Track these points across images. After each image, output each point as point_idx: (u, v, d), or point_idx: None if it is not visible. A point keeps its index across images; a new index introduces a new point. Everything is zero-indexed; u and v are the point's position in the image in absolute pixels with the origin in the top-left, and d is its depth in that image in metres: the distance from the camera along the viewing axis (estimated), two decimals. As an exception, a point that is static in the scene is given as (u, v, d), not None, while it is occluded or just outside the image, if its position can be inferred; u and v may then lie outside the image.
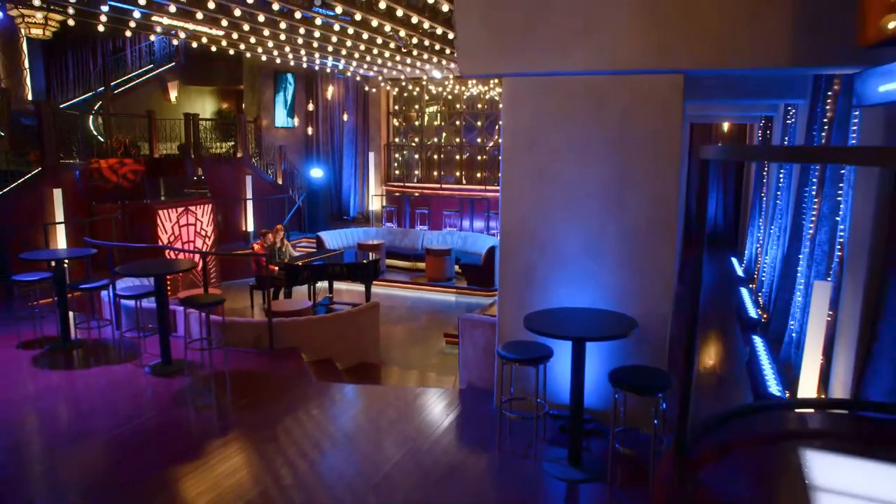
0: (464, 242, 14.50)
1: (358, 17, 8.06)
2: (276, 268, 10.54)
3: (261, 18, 8.43)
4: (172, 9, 7.69)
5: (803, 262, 6.13)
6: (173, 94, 17.36)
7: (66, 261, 6.80)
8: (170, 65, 17.48)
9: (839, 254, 4.98)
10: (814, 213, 5.88)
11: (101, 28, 9.06)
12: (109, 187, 11.85)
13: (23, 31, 13.96)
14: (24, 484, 4.26)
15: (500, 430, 4.80)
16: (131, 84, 16.50)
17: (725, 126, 14.87)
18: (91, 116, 13.90)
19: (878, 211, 4.04)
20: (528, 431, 4.70)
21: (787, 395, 5.57)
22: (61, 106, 14.11)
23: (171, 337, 6.43)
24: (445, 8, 7.71)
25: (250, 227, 14.62)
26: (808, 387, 4.84)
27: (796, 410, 2.78)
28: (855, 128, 4.73)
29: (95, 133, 13.60)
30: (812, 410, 2.82)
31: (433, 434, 4.93)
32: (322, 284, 11.54)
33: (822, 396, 4.80)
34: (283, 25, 8.83)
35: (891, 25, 2.49)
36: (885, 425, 2.76)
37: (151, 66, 17.24)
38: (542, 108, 4.88)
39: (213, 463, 4.44)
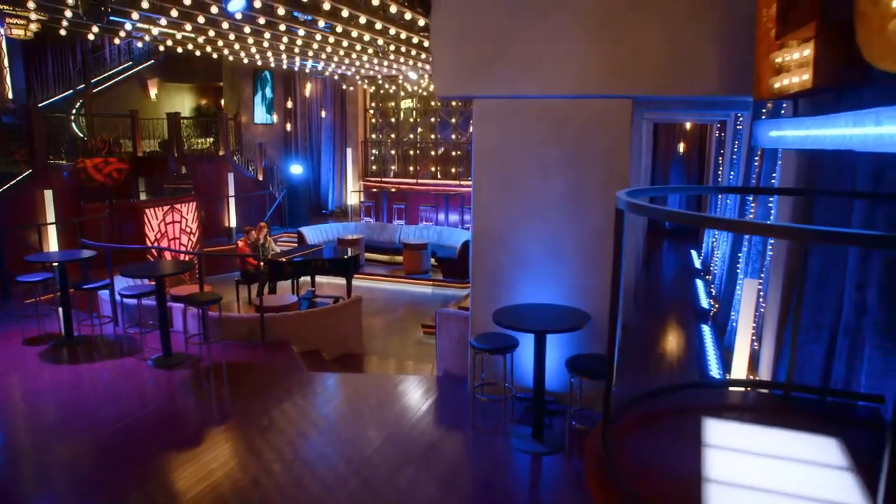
0: (439, 236, 15.13)
1: (339, 29, 8.57)
2: (262, 263, 11.04)
3: (246, 30, 8.90)
4: (163, 21, 8.12)
5: (743, 259, 6.87)
6: (153, 92, 17.63)
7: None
8: (149, 62, 17.73)
9: (770, 253, 5.70)
10: (751, 215, 6.61)
11: (91, 36, 9.45)
12: (95, 186, 12.21)
13: (2, 31, 14.14)
14: (42, 471, 4.70)
15: (473, 411, 5.44)
16: (111, 82, 16.74)
17: (688, 125, 15.64)
18: (74, 115, 14.18)
19: (793, 218, 4.74)
20: (498, 412, 5.34)
21: (727, 377, 6.30)
22: (42, 104, 14.37)
23: (170, 332, 6.94)
24: (422, 22, 8.26)
25: (233, 223, 15.05)
26: (739, 370, 5.57)
27: (707, 388, 3.46)
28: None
29: (78, 132, 13.88)
30: (719, 388, 3.51)
31: (414, 416, 5.56)
32: (304, 278, 12.08)
33: (752, 378, 5.53)
34: (267, 35, 9.30)
35: (776, 85, 3.15)
36: (777, 400, 3.47)
37: (130, 63, 17.47)
38: (508, 126, 5.49)
39: (216, 447, 4.99)
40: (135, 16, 7.51)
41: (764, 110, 6.34)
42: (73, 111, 15.07)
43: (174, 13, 7.53)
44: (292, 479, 4.52)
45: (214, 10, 7.39)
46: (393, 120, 19.04)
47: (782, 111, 5.03)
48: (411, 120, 18.87)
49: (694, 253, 13.26)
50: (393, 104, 18.96)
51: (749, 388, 3.72)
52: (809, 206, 4.16)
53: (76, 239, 9.97)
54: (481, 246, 5.77)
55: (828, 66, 2.44)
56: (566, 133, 5.34)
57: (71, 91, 15.98)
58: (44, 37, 15.00)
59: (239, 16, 7.76)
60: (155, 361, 6.68)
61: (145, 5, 7.01)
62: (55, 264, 7.27)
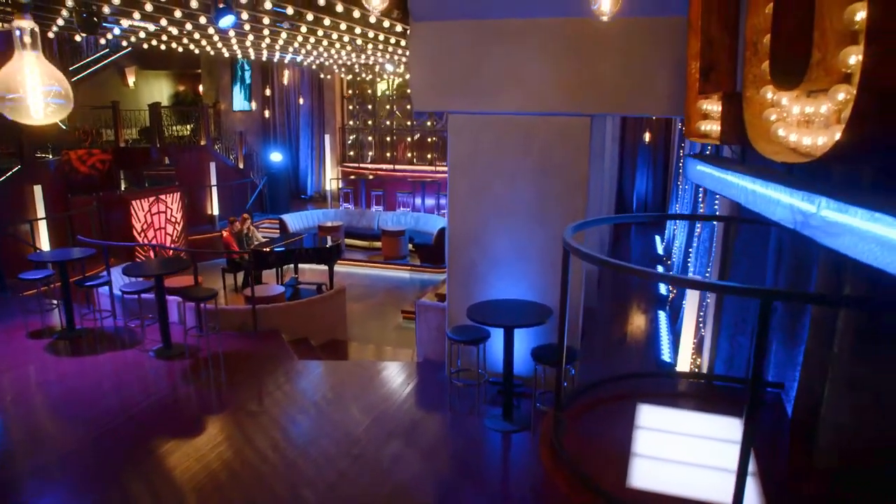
0: (416, 223, 15.69)
1: (320, 32, 9.00)
2: (247, 254, 11.53)
3: (231, 33, 9.27)
4: (151, 28, 8.45)
5: (693, 253, 7.59)
6: (131, 80, 17.75)
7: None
8: (126, 50, 17.79)
9: (713, 254, 6.40)
10: (701, 207, 7.31)
11: (78, 38, 9.72)
12: (79, 178, 12.51)
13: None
14: (54, 458, 5.10)
15: (450, 395, 6.09)
16: (89, 70, 16.83)
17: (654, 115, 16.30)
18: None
19: (727, 224, 5.42)
20: (472, 395, 6.01)
21: (670, 369, 7.02)
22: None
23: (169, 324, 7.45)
24: (399, 28, 8.73)
25: (216, 211, 15.44)
26: (685, 356, 6.30)
27: (646, 377, 4.15)
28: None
29: (61, 124, 14.07)
30: (657, 378, 4.20)
31: (397, 400, 6.20)
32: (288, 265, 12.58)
33: (696, 361, 6.27)
34: (250, 37, 9.67)
35: (702, 128, 3.79)
36: (703, 387, 4.18)
37: (107, 51, 17.53)
38: (480, 139, 6.07)
39: (219, 434, 5.54)
40: (125, 23, 7.86)
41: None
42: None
43: (164, 22, 7.91)
44: (287, 461, 5.07)
45: (203, 20, 7.78)
46: (370, 106, 19.44)
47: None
48: (388, 107, 19.28)
49: (658, 238, 14.03)
50: (370, 91, 19.34)
51: (681, 378, 4.41)
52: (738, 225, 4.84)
53: (67, 233, 10.35)
54: (457, 245, 6.38)
55: (731, 129, 3.06)
56: (532, 146, 5.94)
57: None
58: (20, 26, 15.05)
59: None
60: (156, 353, 7.20)
61: (137, 16, 7.37)
62: (49, 264, 7.73)
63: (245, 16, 7.40)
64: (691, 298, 6.26)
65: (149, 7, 6.80)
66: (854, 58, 1.93)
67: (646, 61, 5.39)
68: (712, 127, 3.63)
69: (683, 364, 6.39)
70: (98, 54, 17.36)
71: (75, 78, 16.37)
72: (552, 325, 5.91)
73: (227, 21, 6.58)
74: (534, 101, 5.78)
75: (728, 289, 2.23)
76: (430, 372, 6.88)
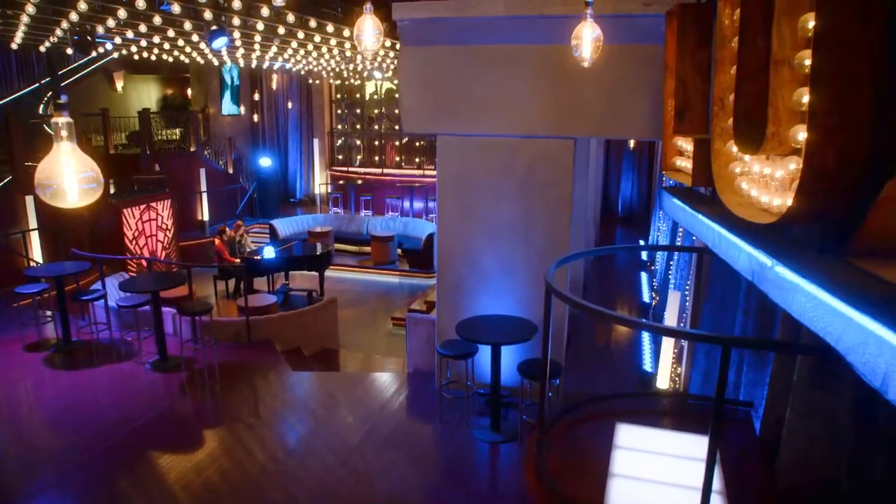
0: (405, 228, 15.86)
1: (310, 47, 9.17)
2: (237, 260, 11.70)
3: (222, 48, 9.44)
4: (143, 43, 8.58)
5: (674, 265, 7.86)
6: (119, 84, 17.78)
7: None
8: (114, 55, 17.81)
9: (692, 271, 6.67)
10: (681, 228, 7.58)
11: (69, 51, 9.82)
12: (70, 185, 12.56)
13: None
14: (57, 473, 5.28)
15: (440, 406, 6.31)
16: (78, 75, 16.84)
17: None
18: (44, 112, 14.37)
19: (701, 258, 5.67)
20: (461, 406, 6.24)
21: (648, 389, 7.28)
22: (7, 99, 14.54)
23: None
24: (388, 43, 8.93)
25: (206, 217, 15.55)
26: (665, 366, 6.56)
27: (625, 398, 4.39)
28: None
29: (50, 130, 14.10)
30: (635, 397, 4.44)
31: (389, 410, 6.42)
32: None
33: (677, 370, 6.53)
34: (241, 51, 9.82)
35: (678, 163, 4.03)
36: (678, 405, 4.43)
37: (95, 55, 17.52)
38: (467, 160, 6.29)
39: (219, 445, 5.75)
40: (118, 40, 7.98)
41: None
42: (42, 105, 15.21)
43: (156, 39, 8.04)
44: (284, 471, 5.29)
45: (195, 37, 7.93)
46: (358, 110, 19.58)
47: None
48: (376, 111, 19.43)
49: (642, 242, 14.31)
50: (358, 95, 19.48)
51: (660, 397, 4.66)
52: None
53: (60, 244, 10.45)
54: (446, 261, 6.60)
55: (702, 173, 3.30)
56: (518, 166, 6.16)
57: (37, 84, 16.07)
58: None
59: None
60: (153, 365, 7.36)
61: (130, 34, 7.50)
62: (43, 279, 7.87)
63: (237, 33, 7.56)
64: (671, 309, 6.52)
65: (143, 28, 6.94)
66: (802, 134, 2.16)
67: (627, 87, 5.63)
68: (686, 164, 3.87)
69: (664, 373, 6.65)
70: (86, 59, 17.35)
71: (64, 83, 16.38)
72: (537, 340, 6.15)
73: (220, 42, 6.75)
74: (519, 124, 6.00)
75: (694, 336, 2.47)
76: (421, 383, 7.10)
